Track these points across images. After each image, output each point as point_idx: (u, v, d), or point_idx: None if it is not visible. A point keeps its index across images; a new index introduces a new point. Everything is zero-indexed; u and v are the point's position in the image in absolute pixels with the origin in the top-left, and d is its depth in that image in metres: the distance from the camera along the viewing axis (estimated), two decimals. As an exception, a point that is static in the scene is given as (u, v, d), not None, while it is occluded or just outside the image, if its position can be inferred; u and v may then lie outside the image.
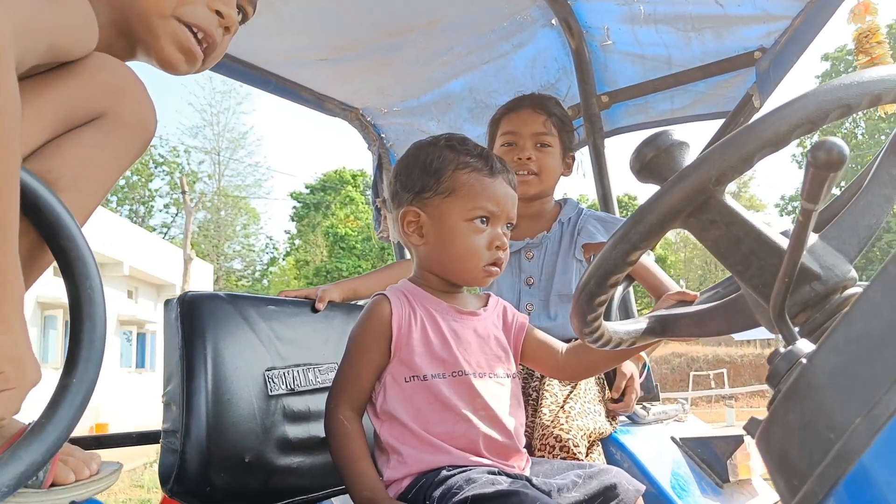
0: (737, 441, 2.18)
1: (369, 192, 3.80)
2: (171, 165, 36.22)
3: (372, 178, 3.36)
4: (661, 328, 1.33)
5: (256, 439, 1.57)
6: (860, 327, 0.73)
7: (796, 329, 0.95)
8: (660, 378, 26.99)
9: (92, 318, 0.94)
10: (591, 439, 1.95)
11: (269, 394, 1.63)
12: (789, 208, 33.04)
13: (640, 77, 2.74)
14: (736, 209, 1.01)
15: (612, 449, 2.06)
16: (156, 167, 37.02)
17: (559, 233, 2.24)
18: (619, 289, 2.21)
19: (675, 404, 2.51)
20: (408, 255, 3.32)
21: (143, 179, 36.69)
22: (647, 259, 2.18)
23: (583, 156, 2.82)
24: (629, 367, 2.14)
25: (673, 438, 2.25)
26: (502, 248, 1.48)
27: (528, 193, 2.20)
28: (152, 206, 37.76)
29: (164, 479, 1.47)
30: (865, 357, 0.70)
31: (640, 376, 2.49)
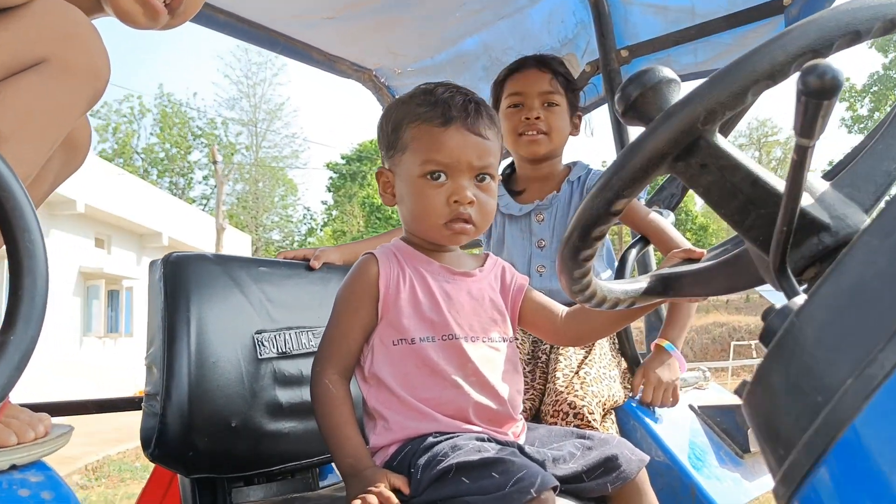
0: (758, 410, 2.09)
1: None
2: (209, 137, 36.54)
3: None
4: (663, 287, 1.25)
5: (244, 403, 1.52)
6: (853, 277, 0.64)
7: (803, 287, 0.86)
8: (701, 347, 26.68)
9: (32, 274, 0.88)
10: (606, 407, 1.88)
11: (259, 357, 1.57)
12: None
13: (661, 29, 2.60)
14: (729, 151, 0.92)
15: (626, 418, 1.98)
16: (194, 139, 37.41)
17: (569, 193, 2.16)
18: (634, 251, 2.10)
19: (696, 371, 2.41)
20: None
21: (182, 152, 37.11)
22: (662, 219, 2.07)
23: (590, 116, 2.72)
24: (665, 375, 2.01)
25: (691, 407, 2.16)
26: (461, 202, 1.37)
27: (538, 153, 2.13)
28: (192, 178, 38.20)
29: (145, 443, 1.43)
30: (859, 310, 0.62)
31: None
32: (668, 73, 1.00)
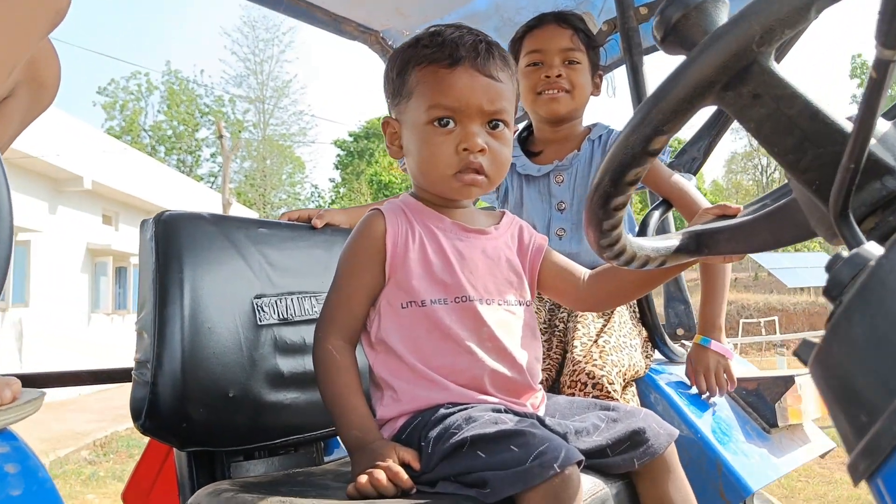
0: (786, 382, 1.98)
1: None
2: (216, 115, 36.34)
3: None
4: (697, 245, 1.14)
5: (243, 372, 1.42)
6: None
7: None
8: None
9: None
10: (626, 378, 1.77)
11: (259, 323, 1.47)
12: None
13: (684, -16, 2.46)
14: (787, 80, 0.80)
15: (647, 389, 1.88)
16: (202, 116, 37.24)
17: (590, 152, 2.04)
18: (657, 214, 1.99)
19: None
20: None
21: (190, 129, 36.97)
22: (686, 182, 1.96)
23: (612, 75, 2.59)
24: (712, 362, 1.91)
25: (715, 379, 2.05)
26: (471, 149, 1.25)
27: (558, 113, 2.01)
28: (199, 156, 38.08)
29: (135, 414, 1.33)
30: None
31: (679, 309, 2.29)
32: (715, -11, 0.88)
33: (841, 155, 0.71)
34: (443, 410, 1.20)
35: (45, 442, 7.69)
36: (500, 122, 1.29)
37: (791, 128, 0.80)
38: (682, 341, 2.19)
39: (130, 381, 1.40)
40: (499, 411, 1.19)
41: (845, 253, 0.66)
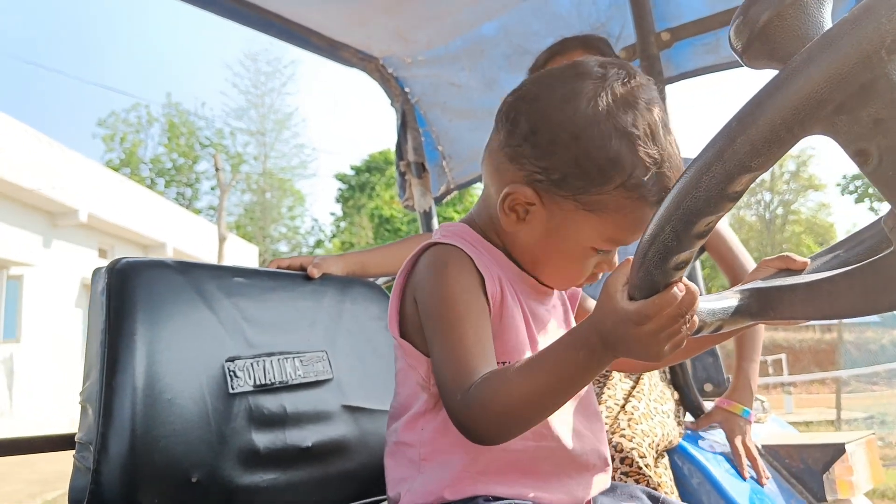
0: (836, 451, 1.74)
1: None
2: (216, 147, 36.28)
3: (396, 140, 2.95)
4: (760, 307, 0.93)
5: (210, 451, 1.19)
6: None
7: None
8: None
9: None
10: (659, 449, 1.54)
11: (231, 391, 1.25)
12: (851, 188, 31.49)
13: (708, 8, 2.27)
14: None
15: (679, 460, 1.65)
16: (202, 149, 37.13)
17: None
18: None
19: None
20: (435, 226, 2.93)
21: (190, 162, 36.87)
22: (725, 226, 1.74)
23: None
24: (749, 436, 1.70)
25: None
26: (606, 270, 1.05)
27: None
28: (198, 189, 37.93)
29: (74, 509, 1.10)
30: None
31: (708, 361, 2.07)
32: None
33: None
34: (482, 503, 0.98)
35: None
36: None
37: (924, 163, 0.59)
38: (713, 399, 1.96)
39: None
40: None
41: None
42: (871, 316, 0.88)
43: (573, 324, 1.15)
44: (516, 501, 0.98)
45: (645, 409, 1.56)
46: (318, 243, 41.87)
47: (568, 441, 1.04)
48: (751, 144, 0.61)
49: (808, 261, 1.09)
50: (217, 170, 21.80)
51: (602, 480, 1.09)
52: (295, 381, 1.34)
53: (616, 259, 1.03)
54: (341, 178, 39.76)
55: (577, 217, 0.98)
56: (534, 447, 1.01)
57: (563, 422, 1.04)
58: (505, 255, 1.07)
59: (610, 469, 1.13)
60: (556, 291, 1.15)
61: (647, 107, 0.97)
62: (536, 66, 1.97)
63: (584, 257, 1.01)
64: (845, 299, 0.82)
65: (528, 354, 0.99)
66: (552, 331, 1.08)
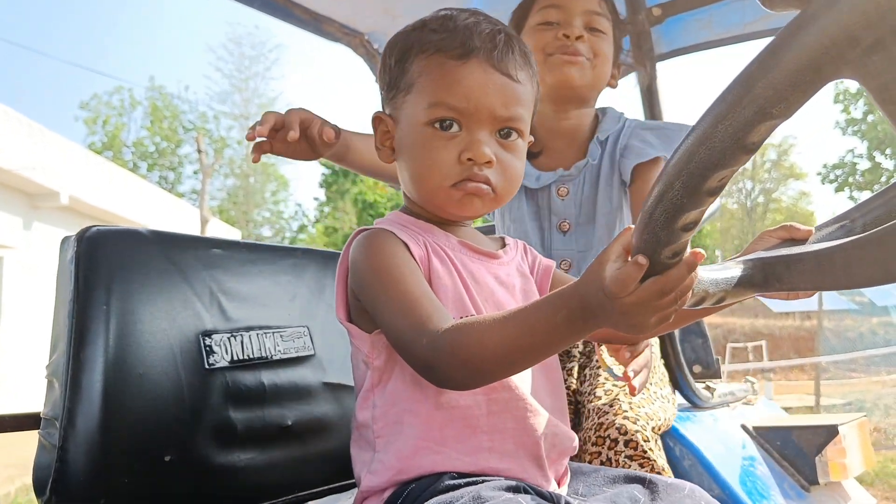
0: (829, 432, 1.71)
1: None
2: (200, 131, 35.92)
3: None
4: (765, 277, 0.88)
5: (184, 429, 1.14)
6: None
7: None
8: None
9: None
10: (658, 433, 1.48)
11: (207, 366, 1.19)
12: (832, 176, 31.66)
13: (701, -18, 2.22)
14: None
15: (671, 442, 1.61)
16: (185, 133, 36.78)
17: (598, 156, 1.67)
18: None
19: (743, 383, 2.04)
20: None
21: (173, 146, 36.51)
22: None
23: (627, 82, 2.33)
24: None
25: (745, 427, 1.79)
26: (477, 160, 1.00)
27: (573, 82, 1.61)
28: (181, 173, 37.59)
29: (38, 487, 1.03)
30: None
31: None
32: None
33: None
34: (447, 481, 0.93)
35: None
36: (513, 131, 1.04)
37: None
38: (706, 383, 1.92)
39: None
40: (516, 490, 0.92)
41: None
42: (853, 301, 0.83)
43: (532, 294, 1.11)
44: (484, 478, 0.94)
45: (647, 391, 1.51)
46: (302, 227, 41.68)
47: (523, 392, 1.00)
48: (773, 89, 0.56)
49: (812, 230, 1.05)
50: (199, 151, 21.58)
51: (567, 452, 1.07)
52: (276, 357, 1.29)
53: (479, 144, 1.00)
54: (325, 162, 39.60)
55: (406, 103, 1.05)
56: (485, 401, 0.98)
57: (518, 376, 1.00)
58: (437, 227, 1.08)
59: (576, 442, 1.09)
60: (513, 258, 1.13)
61: (446, 13, 1.06)
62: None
63: (430, 139, 1.02)
64: (859, 268, 0.78)
65: (473, 314, 0.98)
66: (492, 289, 1.05)
